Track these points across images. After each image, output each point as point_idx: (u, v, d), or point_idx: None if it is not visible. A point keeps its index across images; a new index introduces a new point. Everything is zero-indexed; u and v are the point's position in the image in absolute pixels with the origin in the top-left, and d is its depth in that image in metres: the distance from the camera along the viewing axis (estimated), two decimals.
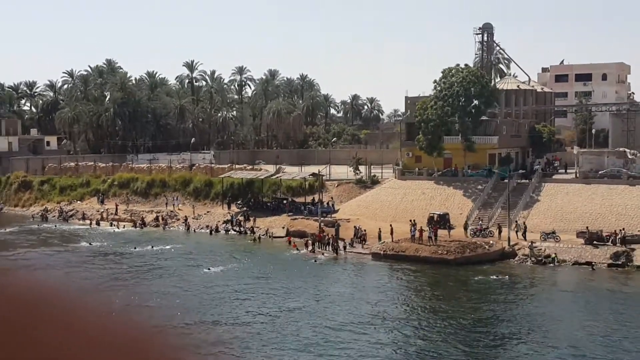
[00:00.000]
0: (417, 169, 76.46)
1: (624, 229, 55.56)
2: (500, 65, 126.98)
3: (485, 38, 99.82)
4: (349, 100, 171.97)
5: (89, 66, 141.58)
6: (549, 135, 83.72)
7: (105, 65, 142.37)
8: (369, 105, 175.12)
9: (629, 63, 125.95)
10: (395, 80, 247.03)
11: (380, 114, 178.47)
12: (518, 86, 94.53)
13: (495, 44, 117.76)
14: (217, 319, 39.49)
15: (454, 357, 33.74)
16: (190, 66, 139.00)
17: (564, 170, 76.09)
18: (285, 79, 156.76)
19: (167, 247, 63.69)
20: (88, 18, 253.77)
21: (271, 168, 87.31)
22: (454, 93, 70.80)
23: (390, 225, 60.31)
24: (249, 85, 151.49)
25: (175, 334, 32.86)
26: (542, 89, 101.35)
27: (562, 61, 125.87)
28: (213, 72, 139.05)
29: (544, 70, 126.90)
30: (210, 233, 71.12)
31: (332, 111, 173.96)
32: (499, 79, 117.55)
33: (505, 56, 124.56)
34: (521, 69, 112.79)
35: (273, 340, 35.91)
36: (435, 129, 72.16)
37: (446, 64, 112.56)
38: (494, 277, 50.04)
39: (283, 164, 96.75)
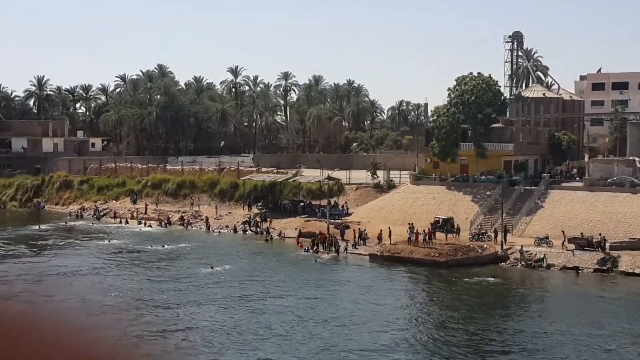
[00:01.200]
0: (434, 174, 78.43)
1: (600, 234, 57.04)
2: (539, 73, 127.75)
3: (514, 46, 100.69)
4: (396, 106, 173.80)
5: (141, 71, 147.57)
6: (569, 143, 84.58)
7: (156, 70, 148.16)
8: (416, 111, 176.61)
9: None
10: (443, 87, 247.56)
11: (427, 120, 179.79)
12: (544, 94, 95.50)
13: (531, 52, 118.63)
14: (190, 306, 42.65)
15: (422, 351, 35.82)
16: (235, 72, 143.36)
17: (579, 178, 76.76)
18: (332, 84, 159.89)
19: (182, 245, 67.14)
20: (144, 24, 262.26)
21: (313, 172, 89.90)
22: (464, 101, 72.66)
23: (389, 228, 62.66)
24: (294, 91, 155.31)
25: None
26: (570, 97, 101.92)
27: (600, 69, 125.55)
28: (256, 78, 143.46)
29: (582, 78, 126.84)
30: (218, 232, 74.89)
31: (383, 116, 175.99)
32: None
33: (542, 64, 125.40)
34: (551, 77, 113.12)
35: (241, 331, 38.73)
36: (447, 136, 74.06)
37: (487, 71, 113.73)
38: (479, 278, 51.93)
39: (322, 169, 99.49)
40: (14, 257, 62.95)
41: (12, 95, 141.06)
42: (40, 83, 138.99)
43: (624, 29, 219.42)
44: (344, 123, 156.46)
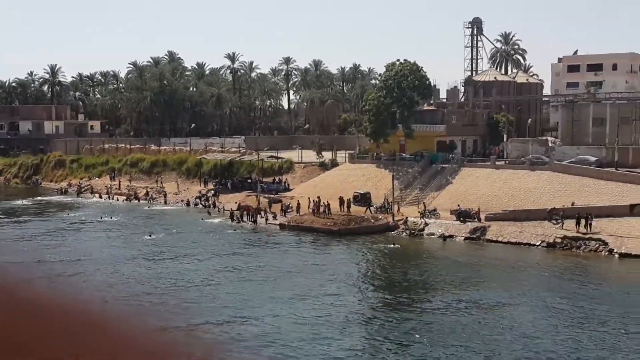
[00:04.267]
0: (371, 154, 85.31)
1: (458, 205, 63.85)
2: (517, 56, 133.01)
3: (474, 32, 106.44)
4: None
5: (151, 57, 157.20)
6: (506, 124, 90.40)
7: (166, 57, 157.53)
8: None
9: None
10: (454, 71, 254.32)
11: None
12: (495, 77, 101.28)
13: (509, 36, 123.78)
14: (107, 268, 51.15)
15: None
16: (232, 58, 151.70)
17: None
18: (339, 68, 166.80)
19: (134, 215, 75.93)
20: (157, 11, 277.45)
21: (307, 153, 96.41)
22: (388, 85, 79.53)
23: (298, 201, 70.44)
24: (295, 75, 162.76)
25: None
26: (526, 80, 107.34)
27: (576, 51, 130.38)
28: (251, 63, 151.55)
29: (559, 60, 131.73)
30: (165, 203, 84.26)
31: None
32: (514, 71, 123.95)
33: (520, 47, 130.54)
34: (508, 61, 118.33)
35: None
36: (376, 118, 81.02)
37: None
38: (378, 245, 58.61)
39: (316, 149, 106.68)
40: None
41: (30, 83, 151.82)
42: (54, 71, 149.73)
43: (599, 11, 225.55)
44: (345, 105, 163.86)
